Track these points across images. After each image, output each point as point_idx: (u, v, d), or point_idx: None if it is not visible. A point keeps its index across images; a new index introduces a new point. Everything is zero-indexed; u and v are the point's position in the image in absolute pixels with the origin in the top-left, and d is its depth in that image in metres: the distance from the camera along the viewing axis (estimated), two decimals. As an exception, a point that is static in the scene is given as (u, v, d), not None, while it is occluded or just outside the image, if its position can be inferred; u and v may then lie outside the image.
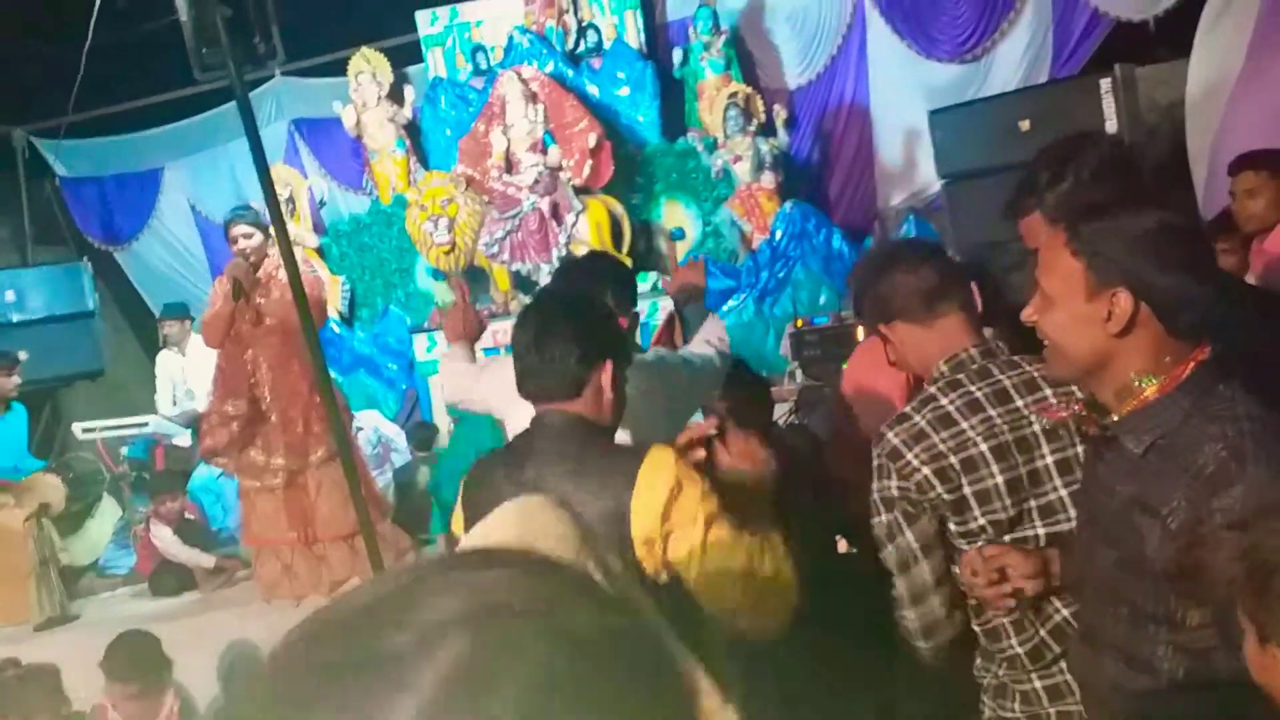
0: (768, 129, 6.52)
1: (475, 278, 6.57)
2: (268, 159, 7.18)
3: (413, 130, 7.14)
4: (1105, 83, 5.20)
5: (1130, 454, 1.44)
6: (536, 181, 6.18)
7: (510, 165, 6.33)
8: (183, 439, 5.71)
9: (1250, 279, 3.43)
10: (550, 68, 6.70)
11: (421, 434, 5.53)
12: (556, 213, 6.15)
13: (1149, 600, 1.41)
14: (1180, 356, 1.43)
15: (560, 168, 6.24)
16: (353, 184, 7.49)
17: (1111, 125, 5.13)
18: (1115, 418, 1.47)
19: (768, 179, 6.29)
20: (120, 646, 3.35)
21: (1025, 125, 5.33)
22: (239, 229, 4.28)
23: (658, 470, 1.65)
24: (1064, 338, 1.49)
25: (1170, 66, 5.90)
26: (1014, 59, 6.47)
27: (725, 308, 5.74)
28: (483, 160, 6.41)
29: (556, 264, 6.10)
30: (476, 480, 1.86)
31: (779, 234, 6.00)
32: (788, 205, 6.13)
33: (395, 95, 7.11)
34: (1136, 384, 1.43)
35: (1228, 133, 5.10)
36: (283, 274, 4.29)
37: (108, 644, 3.40)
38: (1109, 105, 5.19)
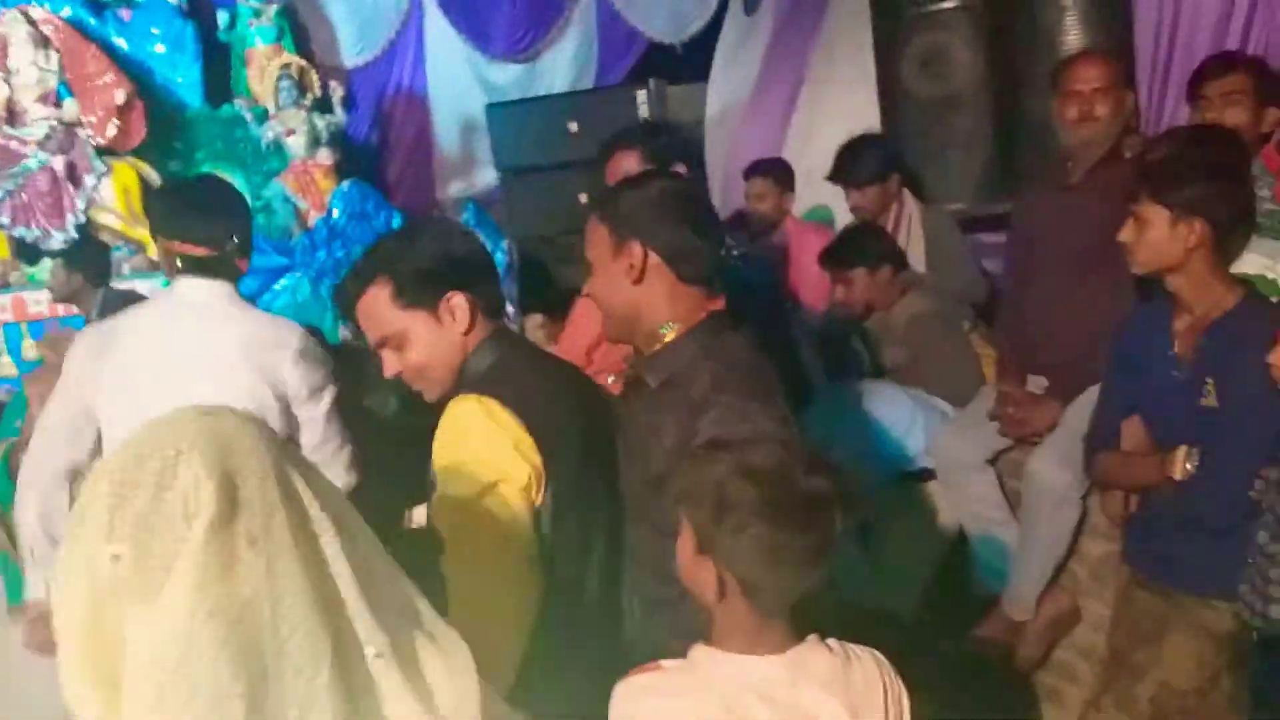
0: (324, 105, 6.29)
1: (-35, 244, 5.57)
2: None
3: (-123, 65, 5.87)
4: (641, 94, 5.68)
5: (650, 389, 1.68)
6: (48, 137, 5.38)
7: (13, 116, 5.45)
8: None
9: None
10: (66, 12, 5.87)
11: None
12: (73, 174, 5.40)
13: (662, 515, 1.56)
14: (697, 307, 1.69)
15: (78, 124, 5.50)
16: None
17: (645, 134, 5.65)
18: (643, 358, 1.72)
19: (324, 155, 6.04)
20: None
21: (574, 127, 5.69)
22: None
23: None
24: (604, 295, 1.74)
25: (694, 88, 6.65)
26: (564, 64, 6.87)
27: (278, 286, 5.44)
28: (-24, 107, 5.45)
29: (73, 231, 5.37)
30: None
31: (336, 212, 5.80)
32: (346, 184, 5.94)
33: None
34: (660, 330, 1.68)
35: (739, 147, 5.85)
36: None
37: None
38: (644, 114, 5.69)
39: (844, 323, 3.39)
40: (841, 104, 5.35)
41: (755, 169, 4.35)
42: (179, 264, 2.17)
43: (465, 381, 1.74)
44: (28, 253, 5.46)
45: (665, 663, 1.37)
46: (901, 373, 3.20)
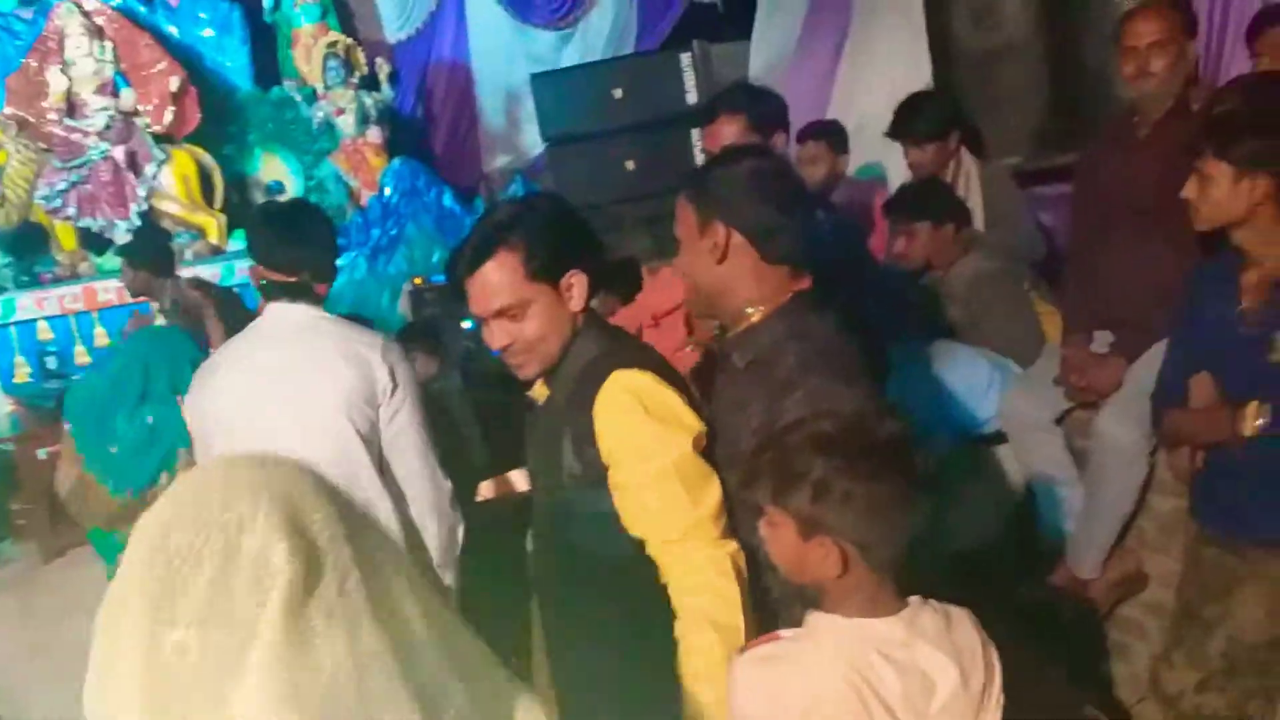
0: (370, 82, 6.35)
1: (34, 236, 5.74)
2: None
3: (-59, 63, 6.04)
4: (685, 57, 5.60)
5: (735, 367, 1.71)
6: (108, 127, 5.52)
7: (73, 108, 5.59)
8: None
9: None
10: (117, 1, 5.99)
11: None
12: (134, 162, 5.54)
13: (745, 492, 1.59)
14: (783, 286, 1.69)
15: (136, 113, 5.62)
16: None
17: (692, 97, 5.60)
18: (728, 337, 1.74)
19: (374, 133, 6.13)
20: None
21: (618, 93, 5.66)
22: None
23: None
24: (690, 273, 1.76)
25: (737, 46, 6.58)
26: (604, 30, 6.85)
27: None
28: (38, 101, 5.60)
29: (136, 219, 5.51)
30: None
31: (388, 190, 5.88)
32: (397, 162, 6.02)
33: (-86, 21, 5.97)
34: (745, 310, 1.70)
35: (784, 107, 5.79)
36: None
37: None
38: (689, 78, 5.63)
39: (900, 277, 3.37)
40: (889, 56, 5.27)
41: (808, 132, 4.29)
42: (264, 287, 2.27)
43: (577, 359, 1.73)
44: (95, 243, 5.63)
45: (783, 632, 1.39)
46: (961, 333, 3.19)
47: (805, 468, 1.34)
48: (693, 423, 1.66)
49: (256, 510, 0.75)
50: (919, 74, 4.78)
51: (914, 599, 1.40)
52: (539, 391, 1.82)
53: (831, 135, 4.20)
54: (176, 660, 0.71)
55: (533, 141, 6.55)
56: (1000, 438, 2.93)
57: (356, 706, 0.75)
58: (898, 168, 3.99)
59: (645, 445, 1.63)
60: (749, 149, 2.00)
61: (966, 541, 2.68)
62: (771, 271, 1.69)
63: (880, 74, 5.09)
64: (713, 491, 1.62)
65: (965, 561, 2.60)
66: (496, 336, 1.72)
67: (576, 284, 1.72)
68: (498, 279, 1.69)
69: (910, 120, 3.58)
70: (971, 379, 2.92)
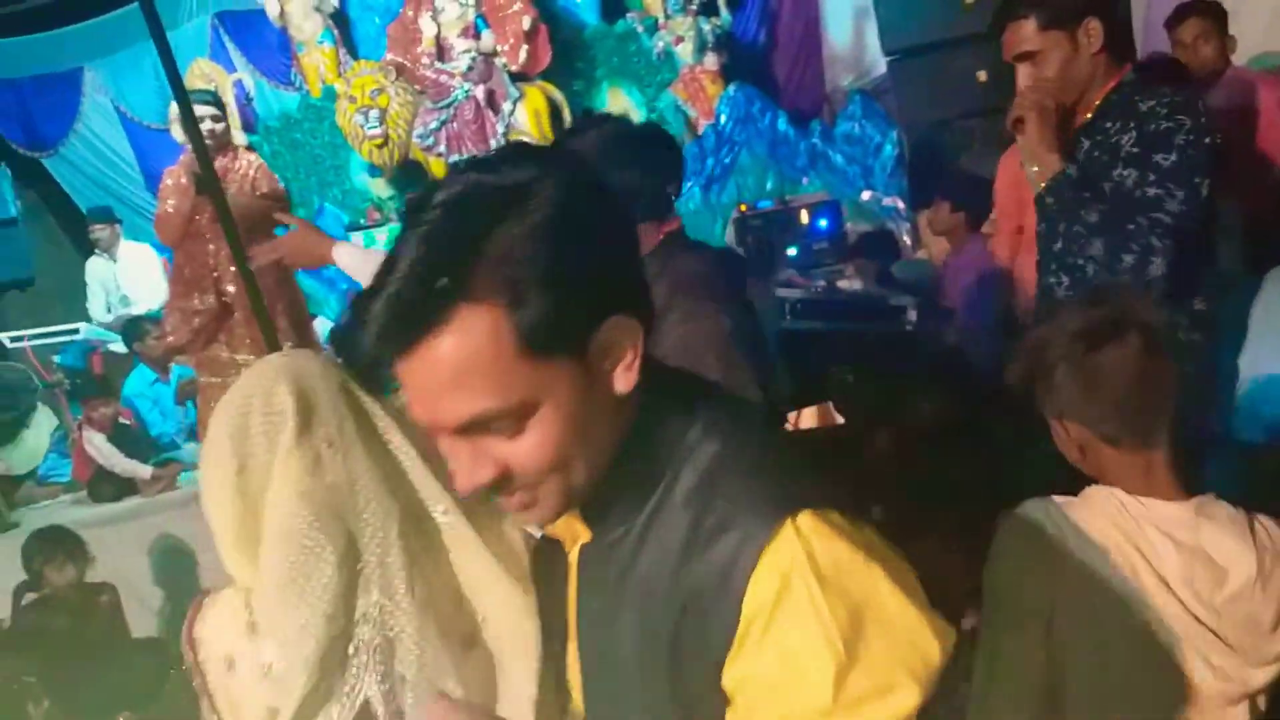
0: (710, 8, 6.31)
1: (411, 171, 6.38)
2: (191, 54, 6.86)
3: (340, 19, 6.83)
4: (1048, -53, 5.00)
5: None
6: (470, 68, 5.95)
7: (442, 52, 6.09)
8: (118, 344, 5.57)
9: None
10: (481, -53, 6.41)
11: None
12: (492, 101, 5.94)
13: None
14: (651, 236, 1.88)
15: (494, 53, 6.01)
16: (281, 79, 7.18)
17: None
18: None
19: (711, 60, 6.10)
20: (31, 540, 3.56)
21: (969, -2, 5.16)
22: (202, 109, 4.07)
23: None
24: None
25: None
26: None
27: (673, 197, 5.63)
28: (413, 47, 6.16)
29: (495, 155, 5.92)
30: None
31: (723, 118, 5.84)
32: (731, 88, 5.96)
33: (320, -18, 6.78)
34: None
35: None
36: (241, 164, 4.21)
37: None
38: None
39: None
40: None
41: (1187, 9, 3.70)
42: None
43: (652, 478, 0.89)
44: (461, 177, 6.14)
45: (1057, 498, 1.38)
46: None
47: (1031, 361, 1.39)
48: (931, 651, 0.81)
49: (277, 382, 1.18)
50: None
51: (1210, 494, 1.35)
52: (563, 528, 0.98)
53: (1214, 10, 3.59)
54: (245, 472, 1.17)
55: (877, 59, 6.19)
56: None
57: (349, 501, 1.15)
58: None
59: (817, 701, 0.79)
60: (590, 120, 2.10)
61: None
62: (641, 228, 1.77)
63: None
64: None
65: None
66: (476, 468, 0.86)
67: (625, 346, 0.86)
68: (460, 363, 0.80)
69: None
70: None
